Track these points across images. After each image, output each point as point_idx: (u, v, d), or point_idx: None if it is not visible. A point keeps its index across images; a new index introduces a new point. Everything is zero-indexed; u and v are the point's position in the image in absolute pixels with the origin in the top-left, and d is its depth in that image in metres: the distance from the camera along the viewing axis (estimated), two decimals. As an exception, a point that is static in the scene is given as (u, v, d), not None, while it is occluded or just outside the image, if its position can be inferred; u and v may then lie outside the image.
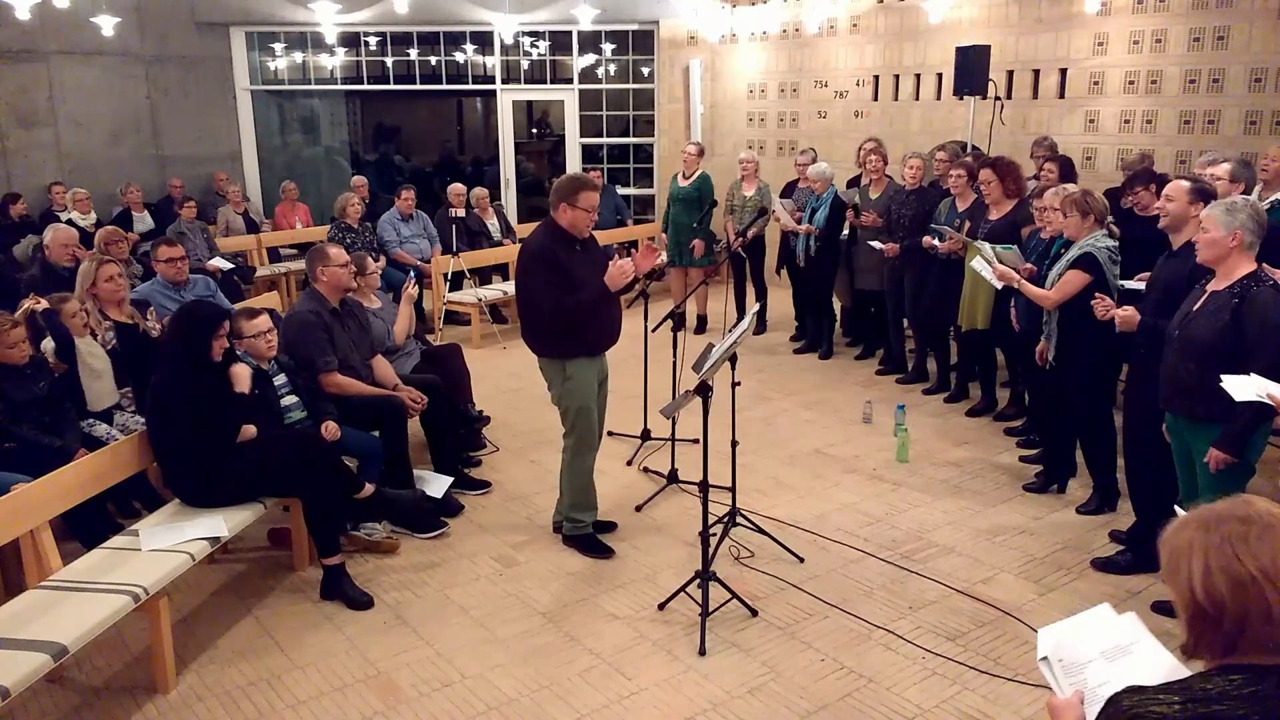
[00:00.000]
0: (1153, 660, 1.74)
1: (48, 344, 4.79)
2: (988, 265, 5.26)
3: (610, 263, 4.28)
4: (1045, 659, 1.81)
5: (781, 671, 3.68)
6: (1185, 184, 4.10)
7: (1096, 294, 4.32)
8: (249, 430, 4.29)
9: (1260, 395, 3.12)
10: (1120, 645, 1.78)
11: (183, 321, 4.30)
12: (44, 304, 4.69)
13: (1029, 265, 5.30)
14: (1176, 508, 2.98)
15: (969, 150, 7.64)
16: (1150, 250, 4.57)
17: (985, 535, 4.79)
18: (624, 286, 4.35)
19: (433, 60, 11.75)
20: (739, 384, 4.60)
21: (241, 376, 4.32)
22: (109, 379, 4.82)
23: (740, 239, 7.94)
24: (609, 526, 4.84)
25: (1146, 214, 5.07)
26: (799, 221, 7.63)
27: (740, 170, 8.35)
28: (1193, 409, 3.67)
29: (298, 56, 11.99)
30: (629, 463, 5.76)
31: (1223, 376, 3.25)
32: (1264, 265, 3.64)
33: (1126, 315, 4.12)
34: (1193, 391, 3.63)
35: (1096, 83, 8.01)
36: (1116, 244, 4.72)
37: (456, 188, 9.42)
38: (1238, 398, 3.19)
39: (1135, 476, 4.43)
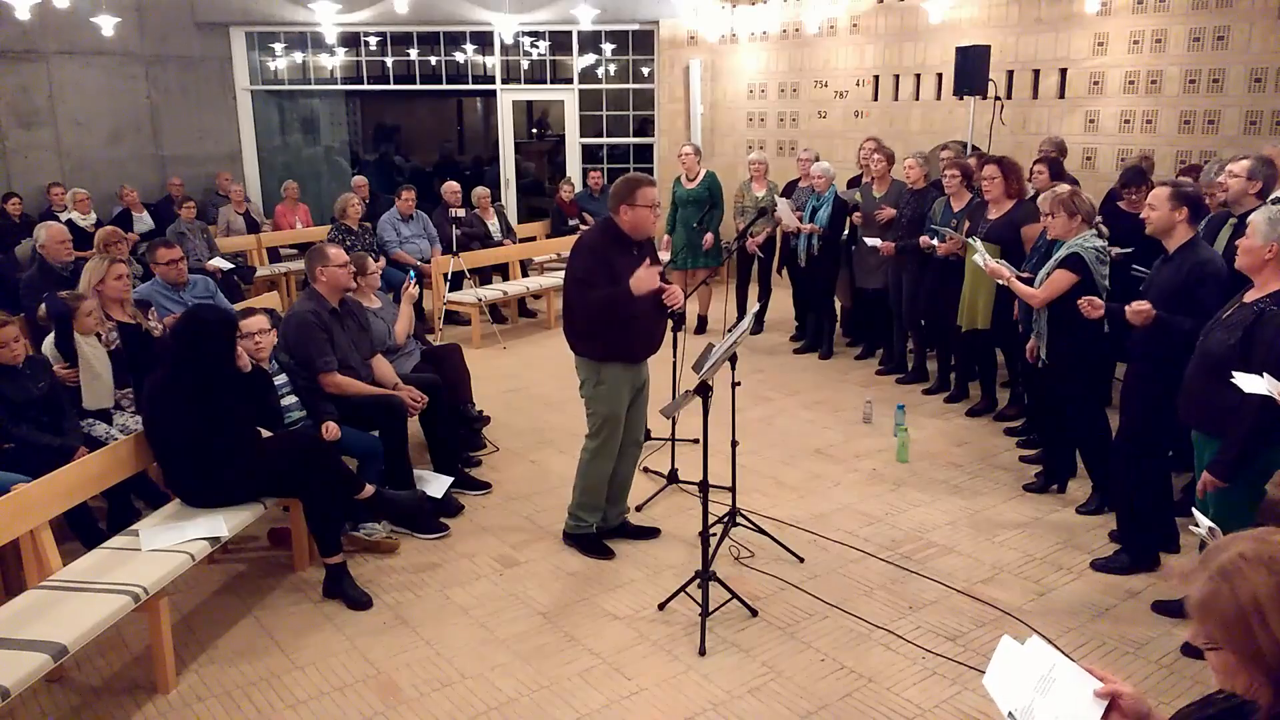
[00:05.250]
0: (1074, 680, 1.75)
1: (48, 345, 4.79)
2: (982, 257, 5.27)
3: (635, 275, 4.12)
4: (1011, 715, 1.81)
5: (781, 671, 3.68)
6: (1165, 190, 4.06)
7: (1083, 296, 4.32)
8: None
9: (1271, 391, 3.09)
10: (1043, 675, 1.79)
11: (194, 329, 4.23)
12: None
13: (1020, 273, 5.28)
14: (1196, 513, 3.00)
15: (969, 150, 7.64)
16: (1152, 250, 4.56)
17: (985, 535, 4.79)
18: (655, 298, 4.26)
19: (433, 60, 11.75)
20: (739, 384, 4.60)
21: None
22: (108, 379, 4.81)
23: (751, 239, 7.94)
24: (621, 528, 4.80)
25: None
26: (799, 221, 7.63)
27: (750, 171, 8.36)
28: (1200, 421, 3.66)
29: (298, 56, 11.99)
30: (629, 463, 5.75)
31: (1235, 374, 3.22)
32: None
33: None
34: (1202, 404, 3.62)
35: (1096, 83, 8.01)
36: (1105, 244, 4.73)
37: (451, 185, 9.43)
38: (1245, 389, 3.17)
39: (1120, 477, 4.41)
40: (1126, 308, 4.03)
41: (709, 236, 8.14)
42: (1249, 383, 3.17)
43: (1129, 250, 5.32)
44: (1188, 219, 4.03)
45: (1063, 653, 1.85)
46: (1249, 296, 3.55)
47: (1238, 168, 4.74)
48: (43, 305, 5.33)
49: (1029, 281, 4.97)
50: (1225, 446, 3.46)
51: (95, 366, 4.74)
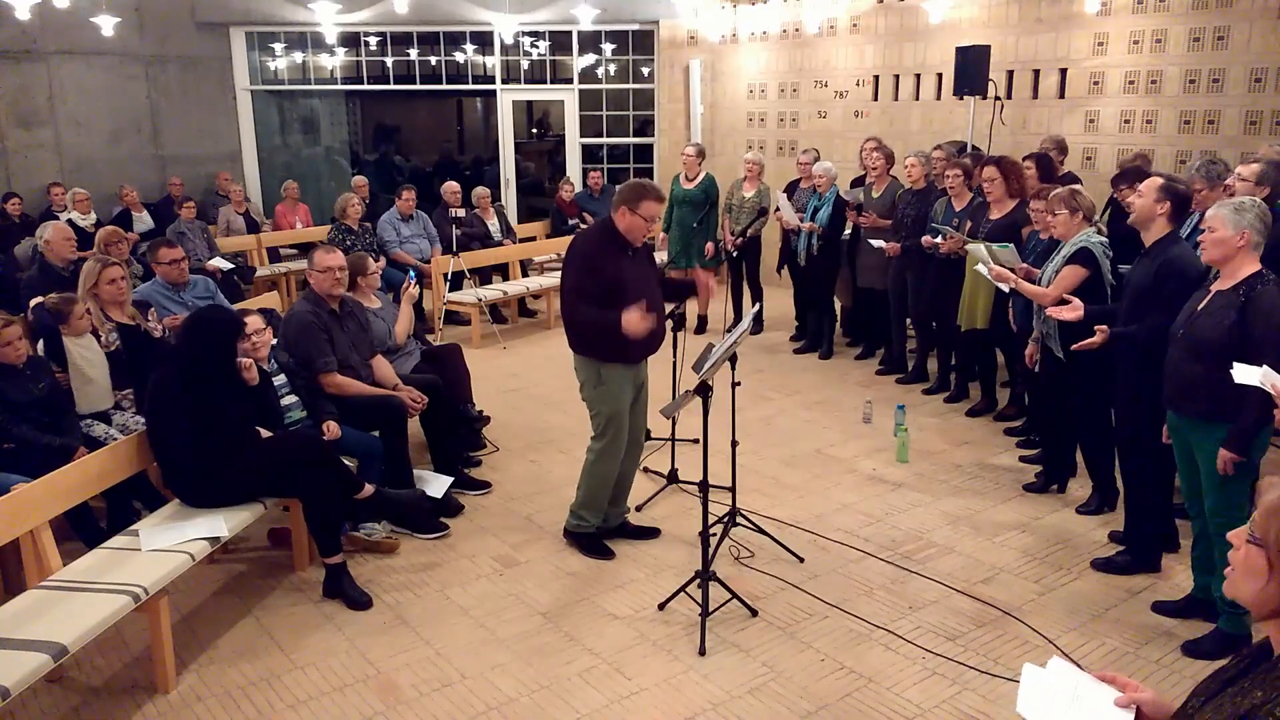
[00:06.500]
0: (1098, 694, 1.80)
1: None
2: (985, 266, 5.25)
3: (628, 312, 4.03)
4: None
5: (781, 671, 3.68)
6: (1157, 180, 4.07)
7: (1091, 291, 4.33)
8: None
9: (1263, 383, 3.12)
10: (1069, 694, 1.83)
11: (203, 330, 4.23)
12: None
13: (1024, 265, 5.28)
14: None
15: (968, 150, 7.64)
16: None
17: (985, 535, 4.79)
18: (656, 302, 4.34)
19: (433, 60, 11.75)
20: (739, 384, 4.60)
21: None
22: (103, 381, 4.78)
23: (739, 239, 7.95)
24: (621, 528, 4.80)
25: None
26: (799, 220, 7.64)
27: (744, 170, 8.34)
28: (1198, 408, 3.66)
29: (298, 56, 11.99)
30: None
31: (1235, 364, 3.26)
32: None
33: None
34: (1198, 391, 3.62)
35: (1096, 83, 8.01)
36: (1106, 240, 4.73)
37: (451, 185, 9.43)
38: (1237, 379, 3.20)
39: (1129, 475, 4.41)
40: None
41: (710, 246, 8.15)
42: (1244, 374, 3.20)
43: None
44: (1169, 214, 4.03)
45: (1080, 666, 1.87)
46: (1221, 286, 3.60)
47: (1246, 171, 4.70)
48: (30, 313, 5.29)
49: (1036, 282, 4.97)
50: (1241, 420, 3.49)
51: (86, 371, 4.70)
